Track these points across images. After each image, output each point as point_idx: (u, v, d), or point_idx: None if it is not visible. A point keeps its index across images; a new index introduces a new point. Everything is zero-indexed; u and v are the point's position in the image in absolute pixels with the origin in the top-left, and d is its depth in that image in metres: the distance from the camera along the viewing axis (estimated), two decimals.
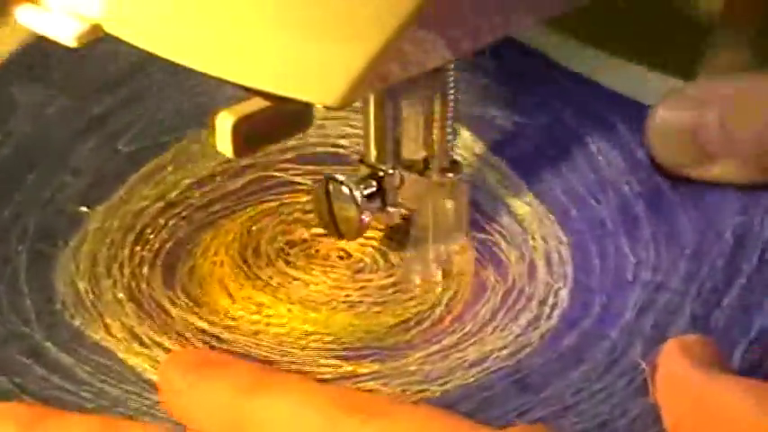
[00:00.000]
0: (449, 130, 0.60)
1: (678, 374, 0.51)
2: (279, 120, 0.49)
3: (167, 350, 0.57)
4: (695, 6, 0.78)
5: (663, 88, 0.68)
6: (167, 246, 0.63)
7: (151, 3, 0.49)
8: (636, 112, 0.68)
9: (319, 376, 0.56)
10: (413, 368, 0.57)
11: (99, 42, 0.73)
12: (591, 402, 0.54)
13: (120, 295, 0.60)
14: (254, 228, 0.64)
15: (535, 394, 0.55)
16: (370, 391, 0.55)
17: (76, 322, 0.58)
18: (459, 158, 0.64)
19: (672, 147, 0.65)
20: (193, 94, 0.71)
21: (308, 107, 0.48)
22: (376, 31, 0.46)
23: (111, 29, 0.50)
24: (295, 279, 0.61)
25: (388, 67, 0.46)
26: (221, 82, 0.50)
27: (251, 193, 0.66)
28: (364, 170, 0.60)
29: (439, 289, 0.61)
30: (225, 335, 0.58)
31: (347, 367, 0.56)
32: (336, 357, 0.57)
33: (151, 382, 0.55)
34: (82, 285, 0.60)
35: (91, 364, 0.56)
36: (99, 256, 0.62)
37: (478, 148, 0.69)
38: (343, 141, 0.69)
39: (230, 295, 0.60)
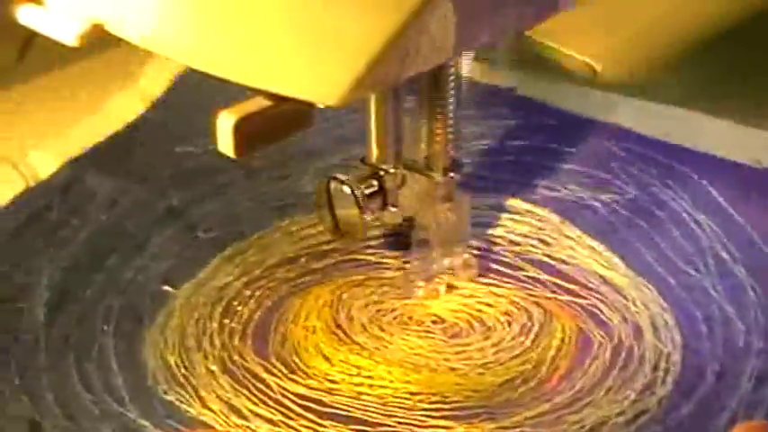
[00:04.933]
0: (450, 129, 0.58)
1: None
2: (279, 119, 0.48)
3: (267, 420, 0.55)
4: None
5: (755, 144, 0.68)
6: (256, 316, 0.61)
7: (152, 3, 0.49)
8: (727, 172, 0.68)
9: None
10: (528, 430, 0.54)
11: (177, 139, 0.74)
12: None
13: (213, 368, 0.58)
14: (344, 295, 0.62)
15: None
16: None
17: (170, 398, 0.56)
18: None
19: None
20: (271, 190, 0.71)
21: (308, 107, 0.47)
22: (377, 30, 0.45)
23: (113, 29, 0.50)
24: (391, 344, 0.59)
25: (388, 67, 0.46)
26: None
27: (336, 270, 0.64)
28: (365, 170, 0.59)
29: (542, 346, 0.59)
30: (326, 398, 0.56)
31: (459, 428, 0.54)
32: (445, 418, 0.55)
33: None
34: (173, 360, 0.58)
35: None
36: (188, 330, 0.60)
37: (567, 228, 0.67)
38: None
39: (327, 359, 0.58)
